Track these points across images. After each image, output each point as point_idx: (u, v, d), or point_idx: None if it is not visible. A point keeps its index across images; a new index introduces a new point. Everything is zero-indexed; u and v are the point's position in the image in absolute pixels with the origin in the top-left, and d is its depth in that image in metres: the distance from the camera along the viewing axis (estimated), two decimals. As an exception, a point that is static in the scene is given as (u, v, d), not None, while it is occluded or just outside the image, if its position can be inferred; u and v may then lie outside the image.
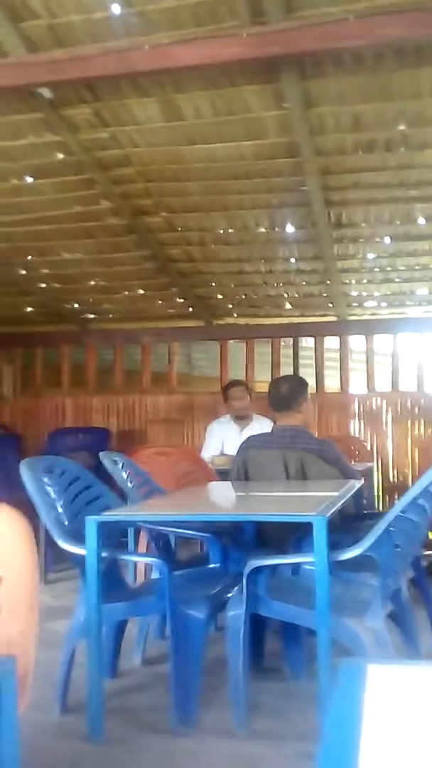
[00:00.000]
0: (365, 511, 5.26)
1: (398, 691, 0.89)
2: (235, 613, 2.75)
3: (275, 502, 3.28)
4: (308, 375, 6.50)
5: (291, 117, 4.61)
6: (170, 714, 2.73)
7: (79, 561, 2.82)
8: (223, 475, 4.59)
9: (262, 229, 6.13)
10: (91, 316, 8.08)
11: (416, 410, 7.32)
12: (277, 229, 6.09)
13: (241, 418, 5.94)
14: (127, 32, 4.01)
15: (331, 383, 7.74)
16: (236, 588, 2.90)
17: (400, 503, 2.66)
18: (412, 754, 0.73)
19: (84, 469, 3.35)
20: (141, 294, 7.46)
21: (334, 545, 2.61)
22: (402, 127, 4.71)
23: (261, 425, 5.60)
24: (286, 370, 7.54)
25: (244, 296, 7.44)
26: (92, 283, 7.26)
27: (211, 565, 3.58)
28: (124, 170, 5.37)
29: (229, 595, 2.94)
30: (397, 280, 6.86)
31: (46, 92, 4.37)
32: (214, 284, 7.19)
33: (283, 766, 2.47)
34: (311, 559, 2.64)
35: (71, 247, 6.56)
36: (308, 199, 5.49)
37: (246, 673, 2.72)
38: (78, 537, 2.83)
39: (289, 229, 6.03)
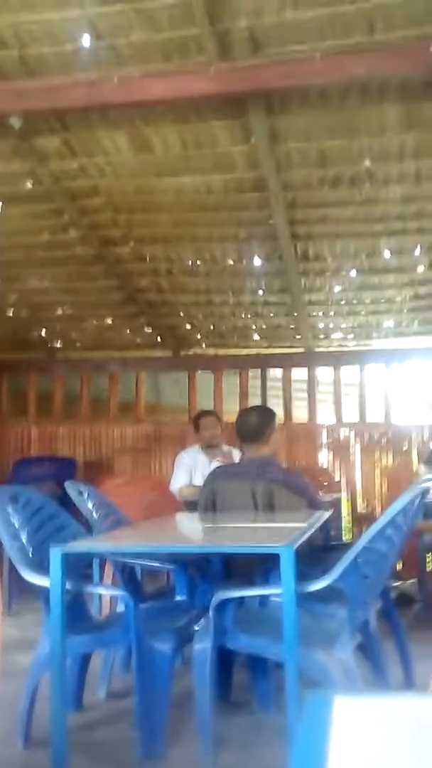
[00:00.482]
0: (333, 543, 5.26)
1: (365, 723, 0.88)
2: (202, 646, 2.73)
3: (242, 534, 3.26)
4: (276, 405, 6.52)
5: (258, 152, 4.67)
6: (135, 748, 2.68)
7: (43, 592, 2.77)
8: (191, 505, 4.57)
9: (230, 261, 6.17)
10: (59, 344, 8.05)
11: (384, 441, 7.38)
12: (244, 261, 6.13)
13: (212, 448, 5.94)
14: (98, 65, 4.06)
15: (299, 414, 7.76)
16: (203, 620, 2.88)
17: (368, 534, 2.66)
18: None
19: (49, 499, 3.32)
20: (109, 323, 7.46)
21: (302, 576, 2.60)
22: (367, 163, 4.80)
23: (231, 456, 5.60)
24: (255, 400, 7.56)
25: (212, 327, 7.47)
26: (60, 311, 7.24)
27: (178, 598, 3.55)
28: (92, 200, 5.40)
29: (196, 627, 2.91)
30: (363, 312, 6.94)
31: (16, 121, 4.39)
32: (182, 315, 7.21)
33: (249, 802, 2.43)
34: (279, 591, 2.63)
35: (39, 275, 6.55)
36: (275, 233, 5.55)
37: (213, 707, 2.69)
38: (42, 568, 2.78)
39: (257, 261, 6.09)
